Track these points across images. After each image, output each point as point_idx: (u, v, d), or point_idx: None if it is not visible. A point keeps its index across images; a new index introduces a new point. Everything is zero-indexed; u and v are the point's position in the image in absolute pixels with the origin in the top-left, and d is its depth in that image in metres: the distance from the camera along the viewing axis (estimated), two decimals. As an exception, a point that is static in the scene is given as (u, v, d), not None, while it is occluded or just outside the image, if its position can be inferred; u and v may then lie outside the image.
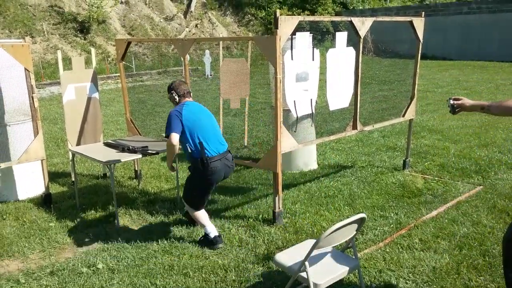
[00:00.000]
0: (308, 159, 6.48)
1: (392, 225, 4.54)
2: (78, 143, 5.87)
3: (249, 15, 30.04)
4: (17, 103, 5.26)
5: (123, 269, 3.81)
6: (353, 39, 5.19)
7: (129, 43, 5.67)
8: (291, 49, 4.45)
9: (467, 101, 2.91)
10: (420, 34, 5.87)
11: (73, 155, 5.31)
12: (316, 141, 5.55)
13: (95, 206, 5.16)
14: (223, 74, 7.08)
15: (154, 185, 5.96)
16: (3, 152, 5.26)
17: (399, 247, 4.10)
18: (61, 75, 5.70)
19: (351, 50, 5.12)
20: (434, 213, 4.80)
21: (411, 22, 5.76)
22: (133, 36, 24.67)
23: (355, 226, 3.05)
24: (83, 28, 23.39)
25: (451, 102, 2.93)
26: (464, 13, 23.14)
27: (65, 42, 22.52)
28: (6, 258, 4.08)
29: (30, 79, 5.15)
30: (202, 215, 4.24)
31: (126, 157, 4.80)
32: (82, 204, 5.24)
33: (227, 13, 30.29)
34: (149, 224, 4.74)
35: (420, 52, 5.98)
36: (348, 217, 4.69)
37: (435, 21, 24.02)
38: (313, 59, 4.71)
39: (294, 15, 27.08)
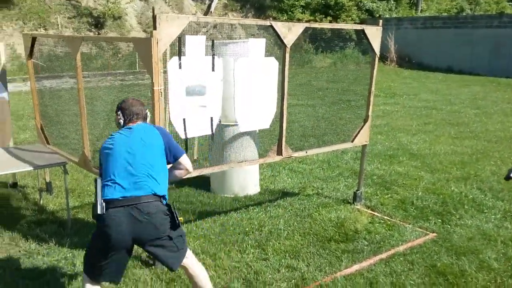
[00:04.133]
0: (244, 181, 5.59)
1: (293, 281, 3.61)
2: (-17, 148, 5.20)
3: (270, 18, 29.18)
4: None
5: None
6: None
7: (34, 39, 4.96)
8: (179, 56, 3.61)
9: None
10: (376, 45, 4.88)
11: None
12: (212, 168, 4.33)
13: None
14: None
15: (59, 201, 5.21)
16: None
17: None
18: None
19: (273, 60, 4.22)
20: (354, 267, 3.83)
21: (363, 31, 4.79)
22: (148, 33, 24.28)
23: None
24: (97, 23, 23.23)
25: None
26: (494, 26, 21.52)
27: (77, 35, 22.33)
28: None
29: None
30: None
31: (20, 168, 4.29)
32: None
33: (249, 15, 29.50)
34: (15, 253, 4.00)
35: (376, 66, 5.00)
36: (247, 264, 3.78)
37: (463, 34, 22.50)
38: (213, 70, 3.84)
39: (317, 21, 26.05)
